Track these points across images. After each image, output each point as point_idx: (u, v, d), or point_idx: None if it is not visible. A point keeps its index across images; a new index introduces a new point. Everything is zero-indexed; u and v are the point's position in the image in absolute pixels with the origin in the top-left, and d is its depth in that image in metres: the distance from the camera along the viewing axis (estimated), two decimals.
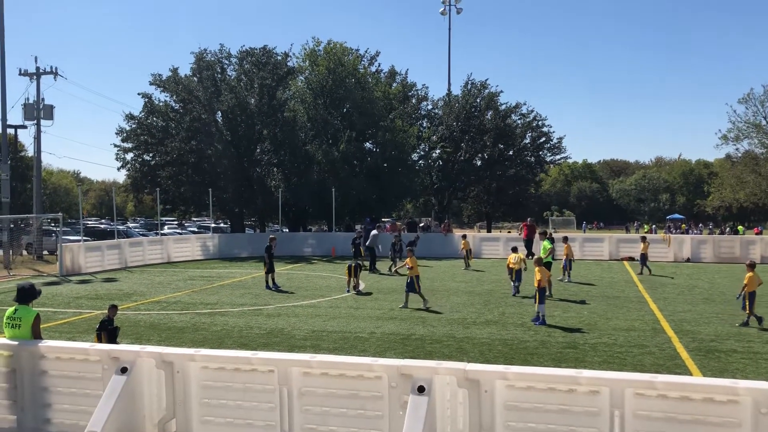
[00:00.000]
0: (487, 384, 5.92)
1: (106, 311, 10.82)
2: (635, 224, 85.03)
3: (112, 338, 10.30)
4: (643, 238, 26.89)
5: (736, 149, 61.50)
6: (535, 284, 14.43)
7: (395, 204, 49.85)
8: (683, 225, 75.26)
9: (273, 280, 20.72)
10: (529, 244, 29.77)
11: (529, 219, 32.67)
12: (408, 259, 17.03)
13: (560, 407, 5.77)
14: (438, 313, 15.66)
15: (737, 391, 5.30)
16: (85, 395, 6.96)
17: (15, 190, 53.07)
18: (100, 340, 10.06)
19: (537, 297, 14.33)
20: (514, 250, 20.19)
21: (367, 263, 25.78)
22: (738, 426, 5.31)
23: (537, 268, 14.59)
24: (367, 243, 26.90)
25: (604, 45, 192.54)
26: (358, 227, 39.13)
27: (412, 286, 16.60)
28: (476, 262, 30.29)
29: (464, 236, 30.01)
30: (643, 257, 25.20)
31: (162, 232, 41.45)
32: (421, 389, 5.95)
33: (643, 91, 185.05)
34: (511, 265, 19.07)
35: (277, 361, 6.51)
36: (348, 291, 19.45)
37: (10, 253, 29.56)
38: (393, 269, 24.79)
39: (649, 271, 24.82)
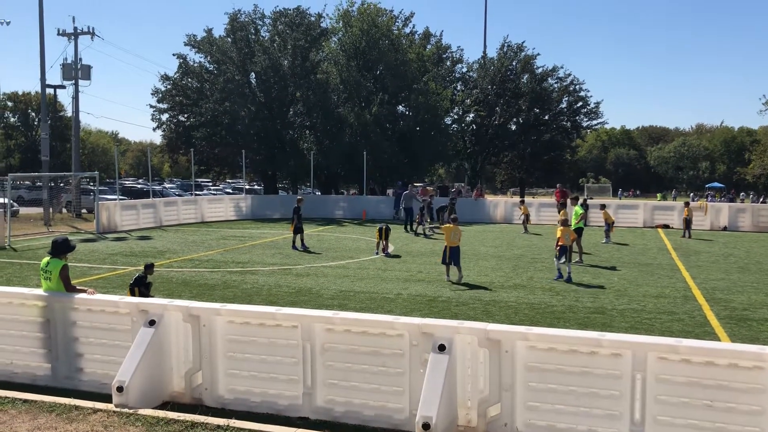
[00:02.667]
0: (508, 344, 5.92)
1: (143, 268, 11.03)
2: (674, 192, 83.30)
3: (146, 293, 10.51)
4: (686, 203, 27.64)
5: None
6: (558, 243, 15.66)
7: (427, 168, 49.60)
8: (717, 195, 73.08)
9: (302, 241, 20.90)
10: (563, 207, 29.63)
11: (558, 185, 32.46)
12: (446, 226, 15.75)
13: (582, 369, 5.75)
14: (465, 277, 15.64)
15: (763, 357, 5.21)
16: (115, 346, 7.17)
17: (54, 149, 54.23)
18: (133, 295, 10.29)
19: (557, 254, 15.55)
20: (522, 202, 27.79)
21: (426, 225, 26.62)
22: (763, 392, 5.24)
23: (558, 228, 15.86)
24: (402, 205, 27.34)
25: (644, 7, 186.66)
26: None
27: (450, 257, 14.97)
28: (507, 226, 30.15)
29: (522, 202, 30.28)
30: (687, 222, 25.96)
31: (200, 193, 42.09)
32: (441, 348, 5.99)
33: (685, 55, 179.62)
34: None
35: (300, 317, 6.60)
36: (377, 253, 19.53)
37: (50, 210, 30.29)
38: (418, 230, 25.96)
39: (689, 236, 25.59)
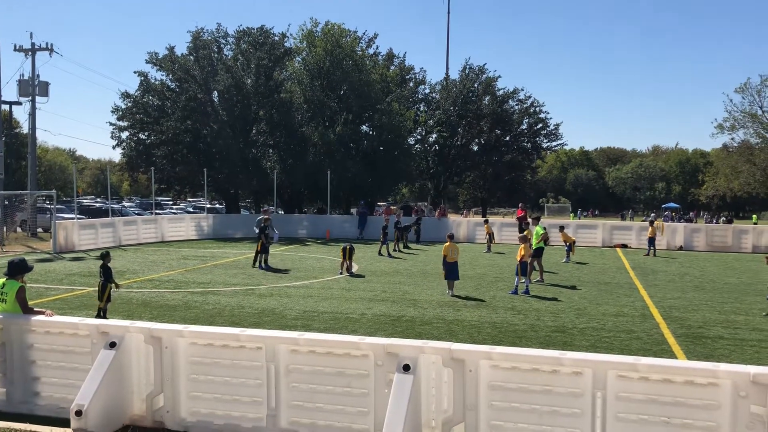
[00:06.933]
0: (472, 364, 5.98)
1: (102, 259, 12.05)
2: (630, 212, 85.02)
3: (107, 276, 11.76)
4: (651, 222, 29.09)
5: (732, 139, 61.61)
6: (517, 258, 16.34)
7: (390, 188, 49.84)
8: (674, 214, 74.61)
9: (266, 261, 20.76)
10: (524, 226, 30.22)
11: (520, 204, 33.04)
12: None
13: (544, 388, 5.84)
14: (429, 296, 15.74)
15: (717, 374, 5.37)
16: (74, 369, 7.02)
17: (10, 167, 52.73)
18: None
19: (518, 269, 16.20)
20: (486, 221, 30.52)
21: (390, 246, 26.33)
22: (717, 408, 5.39)
23: (521, 245, 16.36)
24: (256, 228, 23.35)
25: (602, 32, 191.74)
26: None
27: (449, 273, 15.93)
28: (470, 246, 30.41)
29: (486, 221, 30.79)
30: (650, 240, 27.14)
31: (160, 212, 41.52)
32: (406, 368, 6.02)
33: (642, 79, 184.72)
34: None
35: (264, 338, 6.56)
36: (341, 273, 19.50)
37: (4, 229, 29.52)
38: (381, 250, 25.47)
39: (653, 254, 26.78)
